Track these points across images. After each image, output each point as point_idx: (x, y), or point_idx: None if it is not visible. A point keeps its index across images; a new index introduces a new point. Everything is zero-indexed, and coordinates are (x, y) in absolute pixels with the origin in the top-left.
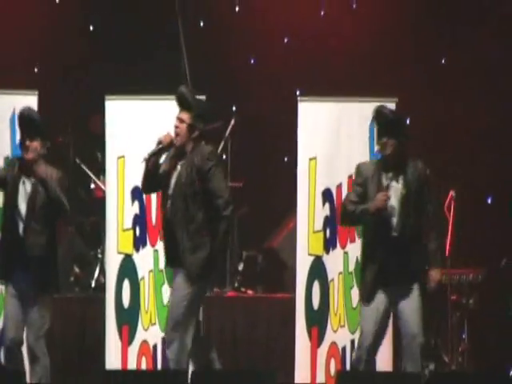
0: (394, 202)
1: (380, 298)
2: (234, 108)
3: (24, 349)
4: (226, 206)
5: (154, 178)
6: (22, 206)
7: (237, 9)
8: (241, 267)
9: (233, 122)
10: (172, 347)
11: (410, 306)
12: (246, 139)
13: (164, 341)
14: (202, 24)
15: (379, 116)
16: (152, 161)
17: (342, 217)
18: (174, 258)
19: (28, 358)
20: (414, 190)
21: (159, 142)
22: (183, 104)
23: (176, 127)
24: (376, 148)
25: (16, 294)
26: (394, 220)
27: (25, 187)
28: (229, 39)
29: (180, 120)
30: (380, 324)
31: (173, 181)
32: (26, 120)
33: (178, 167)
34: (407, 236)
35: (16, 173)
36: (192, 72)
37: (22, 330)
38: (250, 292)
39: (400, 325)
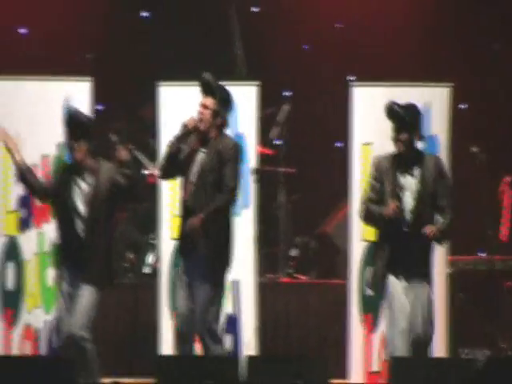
0: (408, 197)
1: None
2: (286, 94)
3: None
4: (227, 191)
5: (175, 162)
6: (80, 206)
7: None
8: (294, 253)
9: (286, 108)
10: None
11: (417, 304)
12: (298, 125)
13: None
14: (255, 9)
15: (390, 112)
16: (175, 145)
17: (362, 216)
18: (190, 245)
19: (75, 347)
20: (430, 185)
21: (184, 126)
22: (207, 90)
23: (200, 113)
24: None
25: (70, 289)
26: (408, 216)
27: (79, 187)
28: (282, 25)
29: (204, 106)
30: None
31: (195, 168)
32: (71, 121)
33: (201, 154)
34: (419, 232)
35: (67, 175)
36: (245, 58)
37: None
38: (303, 278)
39: None
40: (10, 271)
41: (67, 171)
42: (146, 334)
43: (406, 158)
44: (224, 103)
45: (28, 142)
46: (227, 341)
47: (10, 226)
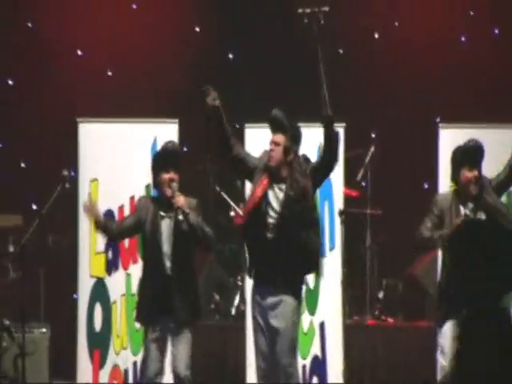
0: None
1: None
2: (373, 135)
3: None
4: (314, 224)
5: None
6: (166, 244)
7: (376, 36)
8: (381, 295)
9: (372, 149)
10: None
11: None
12: (385, 166)
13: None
14: (341, 51)
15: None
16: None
17: (417, 243)
18: (273, 280)
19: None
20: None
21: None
22: (277, 127)
23: (271, 150)
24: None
25: (159, 335)
26: None
27: (166, 224)
28: (367, 67)
29: (275, 143)
30: None
31: (273, 204)
32: (170, 154)
33: (277, 191)
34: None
35: (154, 211)
36: (331, 99)
37: (163, 364)
38: (390, 320)
39: None
40: (98, 313)
41: (155, 207)
42: (234, 375)
43: (470, 194)
44: (294, 139)
45: (116, 184)
46: (314, 381)
47: (98, 267)
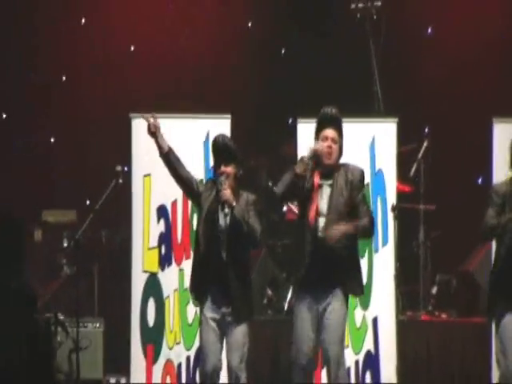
0: None
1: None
2: (426, 130)
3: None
4: (368, 215)
5: (294, 187)
6: (224, 234)
7: (429, 30)
8: (434, 291)
9: (425, 144)
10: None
11: None
12: (438, 161)
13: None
14: (392, 46)
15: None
16: (300, 169)
17: (483, 233)
18: (327, 278)
19: (230, 380)
20: None
21: (315, 151)
22: (332, 123)
23: (329, 147)
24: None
25: (214, 321)
26: None
27: (224, 214)
28: (420, 60)
29: (334, 140)
30: None
31: (324, 200)
32: (220, 147)
33: (326, 187)
34: None
35: (215, 198)
36: (384, 94)
37: (221, 356)
38: (443, 316)
39: None
40: (151, 308)
41: (215, 196)
42: (287, 371)
43: None
44: (342, 135)
45: (169, 179)
46: (367, 377)
47: (151, 262)
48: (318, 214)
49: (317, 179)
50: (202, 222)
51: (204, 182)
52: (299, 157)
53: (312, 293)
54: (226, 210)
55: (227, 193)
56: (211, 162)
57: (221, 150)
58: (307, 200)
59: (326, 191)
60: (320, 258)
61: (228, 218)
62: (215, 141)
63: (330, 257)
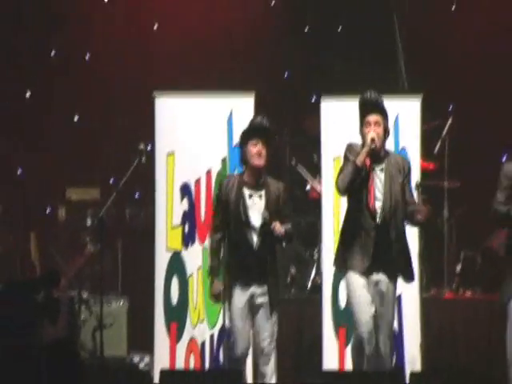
0: None
1: None
2: (451, 107)
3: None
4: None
5: (357, 177)
6: (256, 221)
7: (453, 7)
8: (459, 268)
9: (450, 120)
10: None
11: None
12: (462, 138)
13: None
14: (417, 20)
15: None
16: (361, 160)
17: (494, 219)
18: (382, 261)
19: (260, 361)
20: None
21: (372, 140)
22: (375, 107)
23: (375, 131)
24: None
25: (245, 301)
26: None
27: (253, 201)
28: (445, 36)
29: (378, 123)
30: None
31: (377, 185)
32: (261, 128)
33: (378, 172)
34: None
35: (238, 189)
36: (408, 70)
37: (249, 341)
38: (468, 293)
39: None
40: (175, 286)
41: (239, 184)
42: (310, 349)
43: None
44: (387, 116)
45: (193, 157)
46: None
47: (175, 241)
48: (374, 199)
49: (368, 163)
50: (232, 215)
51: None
52: (348, 146)
53: (366, 276)
54: (260, 193)
55: (278, 227)
56: (235, 140)
57: (261, 130)
58: (361, 186)
59: (380, 176)
60: (379, 243)
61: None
62: (254, 121)
63: (389, 242)
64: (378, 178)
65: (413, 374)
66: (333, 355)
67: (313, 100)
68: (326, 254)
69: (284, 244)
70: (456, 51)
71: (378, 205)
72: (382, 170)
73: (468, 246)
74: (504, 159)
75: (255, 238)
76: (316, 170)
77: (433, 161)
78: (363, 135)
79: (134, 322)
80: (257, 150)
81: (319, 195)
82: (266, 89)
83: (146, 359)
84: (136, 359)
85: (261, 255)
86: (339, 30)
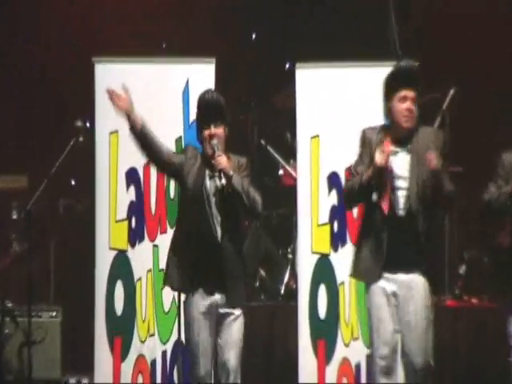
0: None
1: None
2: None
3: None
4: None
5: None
6: (215, 208)
7: None
8: (462, 270)
9: (451, 93)
10: None
11: None
12: (466, 114)
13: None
14: None
15: None
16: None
17: (483, 210)
18: (402, 262)
19: (222, 376)
20: None
21: (379, 169)
22: (411, 80)
23: (409, 110)
24: None
25: (205, 311)
26: None
27: (214, 185)
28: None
29: (414, 100)
30: None
31: (402, 170)
32: (210, 105)
33: (404, 154)
34: None
35: (200, 167)
36: (401, 38)
37: (213, 355)
38: (473, 301)
39: None
40: (119, 293)
41: (201, 163)
42: (283, 365)
43: None
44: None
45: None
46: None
47: (119, 238)
48: (394, 188)
49: (388, 148)
50: (188, 198)
51: (182, 147)
52: (362, 133)
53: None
54: (221, 182)
55: (223, 160)
56: (192, 116)
57: (210, 108)
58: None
59: (405, 159)
60: (398, 238)
61: (222, 190)
62: (203, 97)
63: (408, 237)
64: (404, 162)
65: None
66: (311, 372)
67: (286, 68)
68: (302, 254)
69: (246, 202)
70: (457, 14)
71: (401, 193)
72: (408, 151)
73: (473, 244)
74: None
75: (219, 230)
76: (290, 152)
77: None
78: (393, 112)
79: (70, 336)
80: (208, 134)
81: (294, 182)
82: (228, 54)
83: (85, 381)
84: (72, 382)
85: (226, 251)
86: None
